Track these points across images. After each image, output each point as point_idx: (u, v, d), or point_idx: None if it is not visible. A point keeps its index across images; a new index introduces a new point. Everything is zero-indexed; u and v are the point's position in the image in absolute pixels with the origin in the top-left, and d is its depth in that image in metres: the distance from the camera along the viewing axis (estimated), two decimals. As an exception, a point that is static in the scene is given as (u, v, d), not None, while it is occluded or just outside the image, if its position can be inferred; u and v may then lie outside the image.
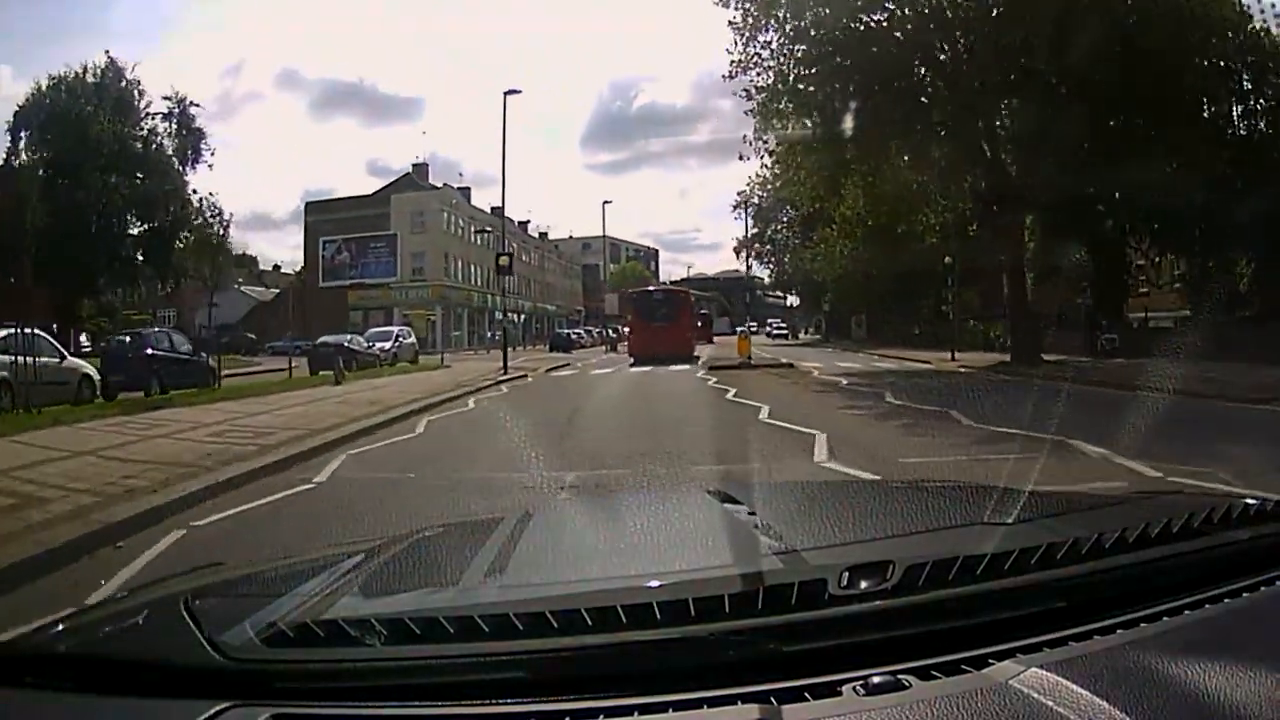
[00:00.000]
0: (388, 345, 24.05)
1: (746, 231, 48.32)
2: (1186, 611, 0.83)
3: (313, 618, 0.82)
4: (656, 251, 79.82)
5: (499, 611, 0.79)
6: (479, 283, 45.94)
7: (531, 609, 0.80)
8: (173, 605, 0.91)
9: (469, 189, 49.67)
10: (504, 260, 21.14)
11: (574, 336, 39.84)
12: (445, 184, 46.35)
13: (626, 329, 33.26)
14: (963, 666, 0.74)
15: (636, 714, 0.70)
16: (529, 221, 57.59)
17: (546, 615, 0.77)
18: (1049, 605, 0.82)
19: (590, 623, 0.76)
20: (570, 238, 66.12)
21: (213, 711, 0.72)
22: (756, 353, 21.50)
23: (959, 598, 0.81)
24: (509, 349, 21.24)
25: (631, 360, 21.82)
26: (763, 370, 17.29)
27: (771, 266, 50.37)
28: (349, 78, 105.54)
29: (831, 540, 1.09)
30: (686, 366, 18.72)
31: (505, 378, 16.38)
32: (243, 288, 47.12)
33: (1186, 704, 0.66)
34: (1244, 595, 0.86)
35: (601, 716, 0.70)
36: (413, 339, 26.22)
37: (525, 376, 17.15)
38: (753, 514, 1.21)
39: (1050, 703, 0.67)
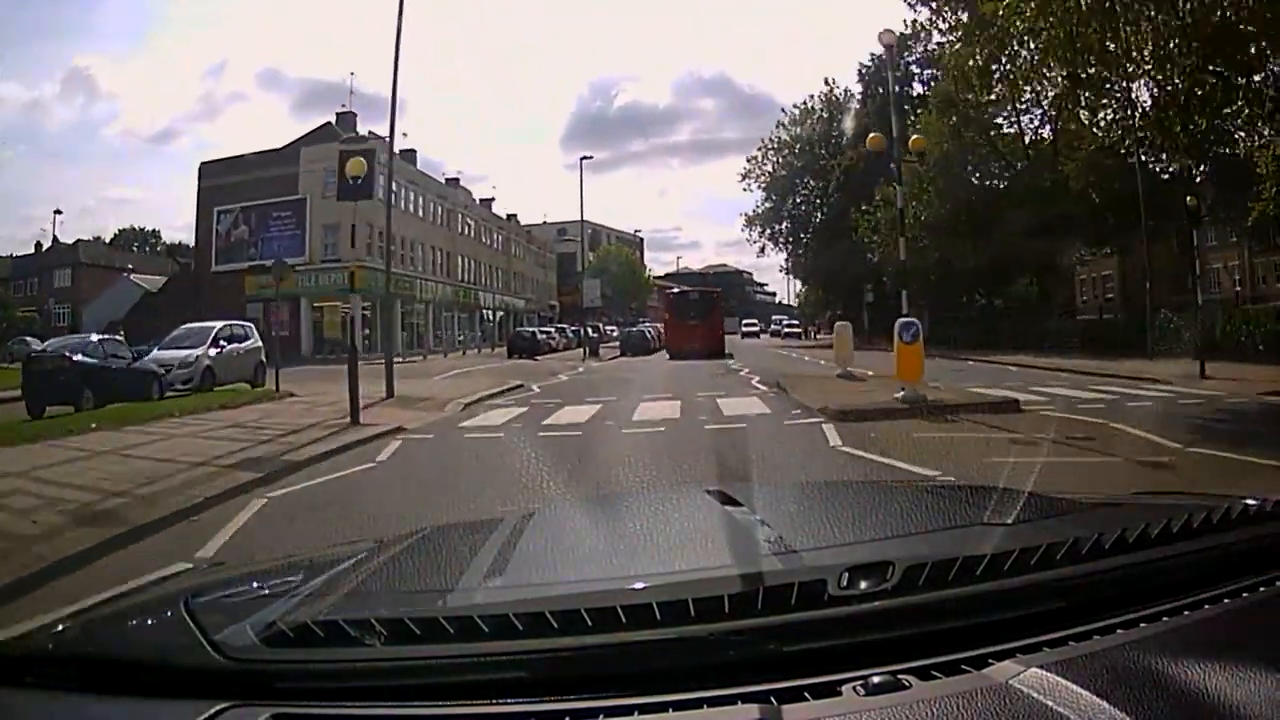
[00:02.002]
0: (193, 355, 13.29)
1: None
2: (1186, 612, 0.83)
3: (313, 618, 0.82)
4: (642, 240, 70.13)
5: (499, 611, 0.79)
6: (427, 268, 35.74)
7: (531, 609, 0.80)
8: (173, 605, 0.91)
9: (414, 151, 36.99)
10: (357, 165, 9.77)
11: (540, 337, 31.09)
12: (370, 132, 30.83)
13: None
14: (963, 666, 0.74)
15: (636, 714, 0.70)
16: (493, 199, 47.36)
17: (546, 615, 0.77)
18: (1049, 605, 0.82)
19: (590, 623, 0.76)
20: (545, 222, 56.39)
21: (213, 711, 0.72)
22: (803, 358, 18.97)
23: (959, 598, 0.82)
24: (446, 354, 22.02)
25: (668, 355, 24.49)
26: (989, 425, 7.24)
27: (787, 247, 40.37)
28: (331, 78, 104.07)
29: (831, 540, 1.09)
30: (764, 409, 9.10)
31: (309, 456, 6.61)
32: (134, 276, 38.45)
33: (1186, 704, 0.66)
34: (1244, 595, 0.86)
35: (601, 716, 0.70)
36: (253, 342, 15.56)
37: (382, 444, 7.27)
38: (753, 514, 1.21)
39: (1050, 703, 0.67)
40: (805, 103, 37.93)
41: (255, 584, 1.20)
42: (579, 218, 37.75)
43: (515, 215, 51.27)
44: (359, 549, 1.24)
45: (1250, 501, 0.99)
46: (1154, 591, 0.86)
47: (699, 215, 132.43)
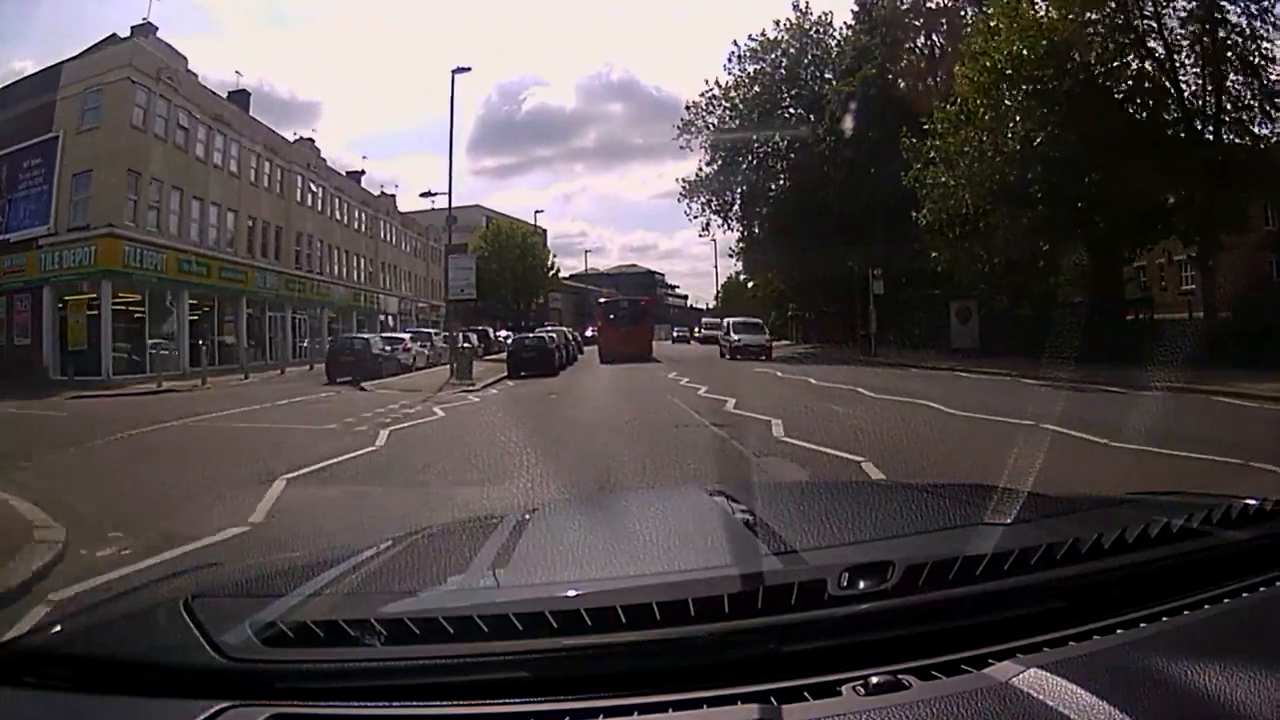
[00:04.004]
0: None
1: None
2: (1186, 611, 0.83)
3: (313, 618, 0.82)
4: (545, 231, 54.18)
5: (499, 611, 0.80)
6: (243, 247, 24.26)
7: (531, 609, 0.80)
8: (173, 605, 0.91)
9: (246, 94, 26.81)
10: None
11: (378, 350, 19.22)
12: (153, 31, 21.89)
13: (595, 331, 30.01)
14: (963, 666, 0.74)
15: (636, 714, 0.70)
16: (363, 173, 35.36)
17: (546, 615, 0.78)
18: (1049, 605, 0.82)
19: (590, 623, 0.77)
20: (431, 208, 40.00)
21: (212, 711, 0.72)
22: (871, 394, 9.79)
23: (959, 598, 0.82)
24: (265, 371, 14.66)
25: (601, 359, 22.64)
26: None
27: (742, 223, 28.45)
28: (247, 82, 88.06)
29: (831, 540, 1.09)
30: None
31: None
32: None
33: (1186, 704, 0.66)
34: (1244, 595, 0.86)
35: (601, 716, 0.70)
36: None
37: None
38: (753, 514, 1.20)
39: (1050, 703, 0.67)
40: (765, 34, 26.67)
41: (255, 584, 1.19)
42: (487, 207, 30.17)
43: (393, 195, 37.57)
44: (359, 549, 1.24)
45: (1250, 501, 1.00)
46: (1154, 591, 0.86)
47: (603, 220, 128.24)
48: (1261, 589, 0.88)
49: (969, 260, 17.23)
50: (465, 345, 18.49)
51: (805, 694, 0.71)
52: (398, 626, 0.78)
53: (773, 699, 0.70)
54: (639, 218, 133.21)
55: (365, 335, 21.83)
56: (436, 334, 24.97)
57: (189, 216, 22.34)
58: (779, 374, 16.06)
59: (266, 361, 23.59)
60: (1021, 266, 16.51)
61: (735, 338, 24.16)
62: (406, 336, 23.62)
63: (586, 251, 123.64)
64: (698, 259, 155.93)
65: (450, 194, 24.80)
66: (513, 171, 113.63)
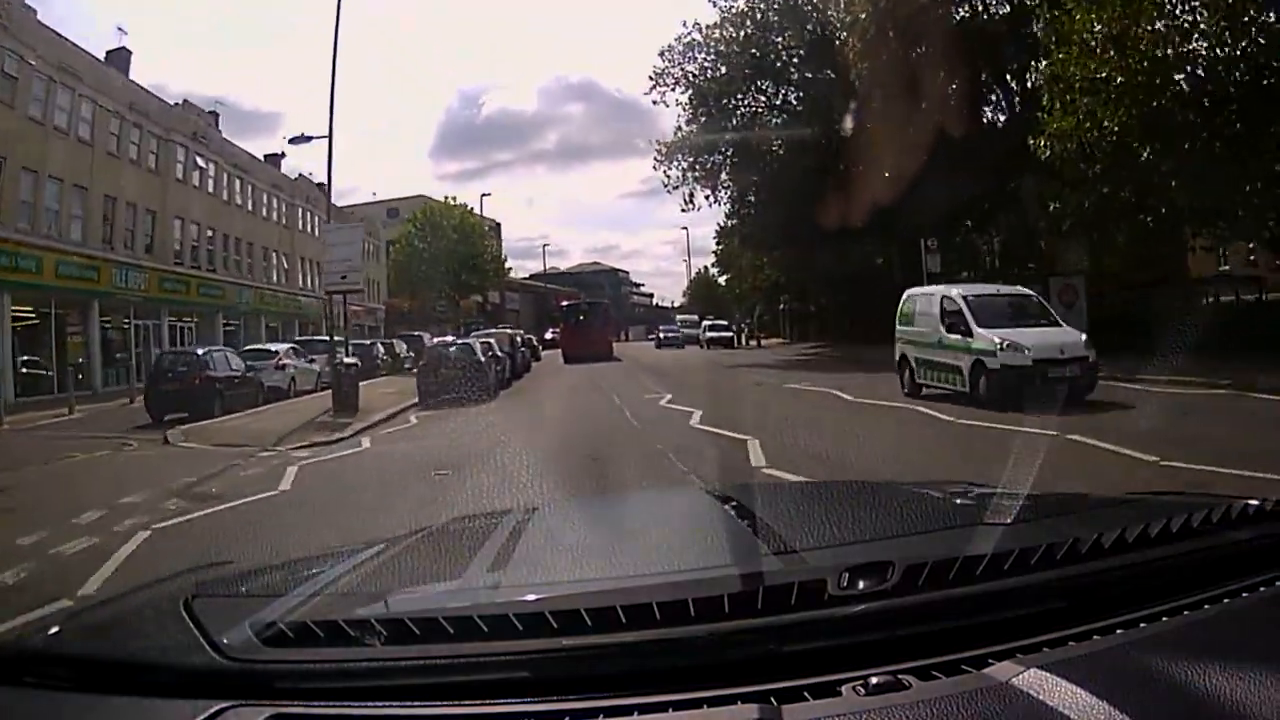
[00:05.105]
0: None
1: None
2: (1186, 612, 0.83)
3: (313, 618, 0.83)
4: (499, 225, 48.16)
5: (499, 611, 0.80)
6: (98, 238, 18.94)
7: (532, 609, 0.81)
8: (173, 605, 0.92)
9: (126, 53, 21.64)
10: None
11: (228, 371, 13.77)
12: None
13: (555, 334, 31.71)
14: (963, 666, 0.74)
15: (636, 714, 0.70)
16: (283, 155, 28.91)
17: (546, 615, 0.78)
18: (1049, 605, 0.82)
19: (590, 623, 0.77)
20: (374, 199, 38.32)
21: (212, 711, 0.73)
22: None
23: (959, 598, 0.82)
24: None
25: (564, 360, 24.06)
26: None
27: (730, 190, 23.11)
28: (210, 93, 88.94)
29: (831, 540, 1.08)
30: None
31: None
32: None
33: (1186, 704, 0.66)
34: (1244, 595, 0.86)
35: (601, 716, 0.71)
36: None
37: None
38: (753, 514, 1.22)
39: (1050, 703, 0.67)
40: None
41: (255, 584, 1.20)
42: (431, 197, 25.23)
43: (323, 184, 25.86)
44: (359, 549, 1.25)
45: (1250, 501, 0.99)
46: (1154, 591, 0.86)
47: (566, 222, 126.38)
48: (1261, 589, 0.87)
49: (1118, 211, 10.64)
50: (351, 363, 12.55)
51: (805, 694, 0.71)
52: (398, 626, 0.79)
53: (773, 699, 0.71)
54: (601, 219, 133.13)
55: (200, 350, 14.86)
56: (326, 342, 17.15)
57: (13, 194, 16.70)
58: (841, 393, 9.83)
59: (130, 384, 17.47)
60: (1209, 217, 10.22)
61: (995, 341, 8.56)
62: (281, 350, 17.31)
63: (544, 245, 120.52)
64: (661, 258, 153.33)
65: (331, 138, 14.35)
66: (474, 176, 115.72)
